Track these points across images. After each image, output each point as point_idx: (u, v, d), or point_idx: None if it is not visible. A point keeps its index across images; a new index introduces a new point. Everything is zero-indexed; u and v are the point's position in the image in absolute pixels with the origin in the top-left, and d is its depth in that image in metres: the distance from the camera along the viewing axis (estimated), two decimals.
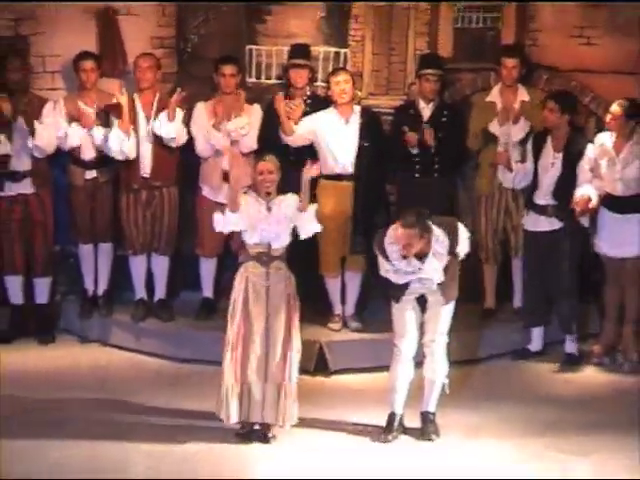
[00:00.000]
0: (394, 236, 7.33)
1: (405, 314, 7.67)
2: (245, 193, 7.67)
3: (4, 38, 9.75)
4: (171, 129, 9.25)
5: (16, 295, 9.63)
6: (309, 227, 7.65)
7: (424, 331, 7.70)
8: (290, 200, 7.66)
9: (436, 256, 7.45)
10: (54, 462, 7.30)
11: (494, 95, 9.41)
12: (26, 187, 9.44)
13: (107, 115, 9.34)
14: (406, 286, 7.54)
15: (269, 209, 7.61)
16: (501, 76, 9.34)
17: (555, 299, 9.15)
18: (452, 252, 7.49)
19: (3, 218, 9.48)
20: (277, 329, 7.61)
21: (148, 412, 8.11)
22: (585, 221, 8.96)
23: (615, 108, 8.79)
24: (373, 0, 9.84)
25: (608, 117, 8.85)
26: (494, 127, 9.22)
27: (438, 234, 7.45)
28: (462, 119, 9.43)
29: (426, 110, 9.34)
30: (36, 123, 9.21)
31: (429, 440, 7.69)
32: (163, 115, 9.24)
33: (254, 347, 7.58)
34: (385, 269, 7.52)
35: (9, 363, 9.04)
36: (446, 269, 7.49)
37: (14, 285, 9.62)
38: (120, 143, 9.20)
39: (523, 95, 9.34)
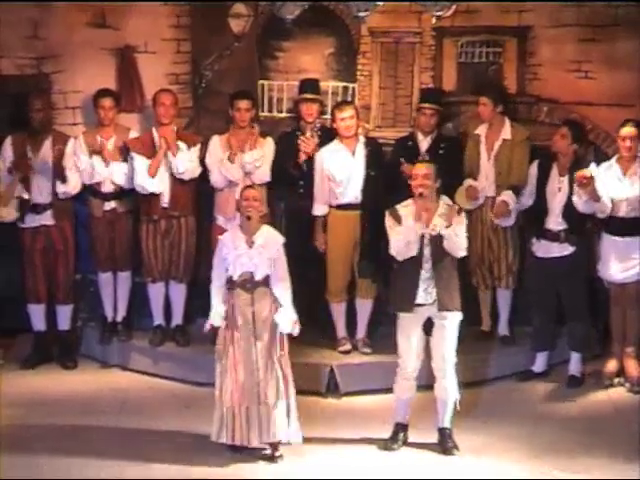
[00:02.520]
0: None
1: (410, 334, 7.72)
2: (220, 235, 7.84)
3: (27, 76, 9.74)
4: (178, 164, 9.21)
5: (39, 323, 9.58)
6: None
7: (432, 354, 7.73)
8: (275, 243, 7.68)
9: (442, 218, 7.57)
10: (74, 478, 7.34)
11: (481, 128, 9.33)
12: (47, 218, 9.41)
13: (127, 150, 9.33)
14: (415, 292, 7.59)
15: (251, 244, 7.64)
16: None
17: (568, 319, 9.07)
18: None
19: (27, 248, 9.45)
20: (264, 352, 7.59)
21: (165, 433, 8.09)
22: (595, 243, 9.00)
23: (629, 129, 8.71)
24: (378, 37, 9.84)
25: (622, 139, 8.74)
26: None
27: (447, 202, 7.71)
28: (459, 152, 9.34)
29: (424, 142, 9.30)
30: (67, 171, 9.23)
31: (451, 454, 7.71)
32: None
33: (245, 370, 7.57)
34: (396, 238, 7.61)
35: (34, 388, 9.04)
36: (446, 274, 7.62)
37: (37, 313, 9.56)
38: (144, 181, 9.20)
39: (506, 133, 9.25)
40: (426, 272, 7.64)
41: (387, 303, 8.11)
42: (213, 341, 9.11)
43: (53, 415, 8.40)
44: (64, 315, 9.61)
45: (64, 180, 9.25)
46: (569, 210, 8.84)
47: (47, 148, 9.34)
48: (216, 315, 7.69)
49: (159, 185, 9.27)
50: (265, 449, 7.62)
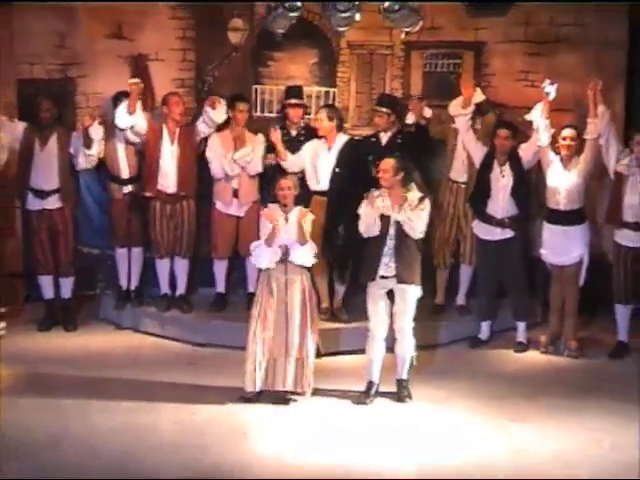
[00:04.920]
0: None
1: (376, 301, 7.84)
2: (266, 207, 7.90)
3: (55, 80, 9.84)
4: (129, 120, 9.19)
5: (48, 291, 9.63)
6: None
7: (394, 319, 7.84)
8: (298, 212, 7.83)
9: (407, 204, 7.65)
10: (94, 422, 7.46)
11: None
12: (50, 203, 9.43)
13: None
14: (377, 265, 7.69)
15: (287, 219, 7.79)
16: None
17: (510, 294, 9.19)
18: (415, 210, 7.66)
19: (34, 228, 9.49)
20: (295, 315, 7.77)
21: (171, 385, 8.20)
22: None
23: (570, 131, 8.78)
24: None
25: (563, 140, 8.78)
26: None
27: (415, 192, 7.72)
28: (414, 141, 9.20)
29: (384, 138, 9.26)
30: (94, 140, 9.22)
31: (404, 402, 7.86)
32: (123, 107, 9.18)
33: (276, 329, 7.74)
34: (362, 218, 7.71)
35: (56, 346, 9.18)
36: (407, 251, 7.69)
37: (45, 283, 9.61)
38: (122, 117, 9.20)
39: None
40: (389, 249, 7.69)
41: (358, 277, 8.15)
42: (218, 308, 9.40)
43: (74, 369, 8.48)
44: (66, 286, 9.61)
45: (89, 146, 9.26)
46: (515, 197, 8.89)
47: (53, 142, 9.32)
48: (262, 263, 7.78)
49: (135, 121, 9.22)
50: (281, 394, 7.82)
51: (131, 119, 9.20)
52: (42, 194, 9.40)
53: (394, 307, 7.84)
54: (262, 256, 7.79)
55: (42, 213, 9.45)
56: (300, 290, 7.82)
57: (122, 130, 9.32)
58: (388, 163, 7.76)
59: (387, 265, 7.74)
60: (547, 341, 9.11)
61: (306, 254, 7.81)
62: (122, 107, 9.20)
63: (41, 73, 9.84)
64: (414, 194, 7.76)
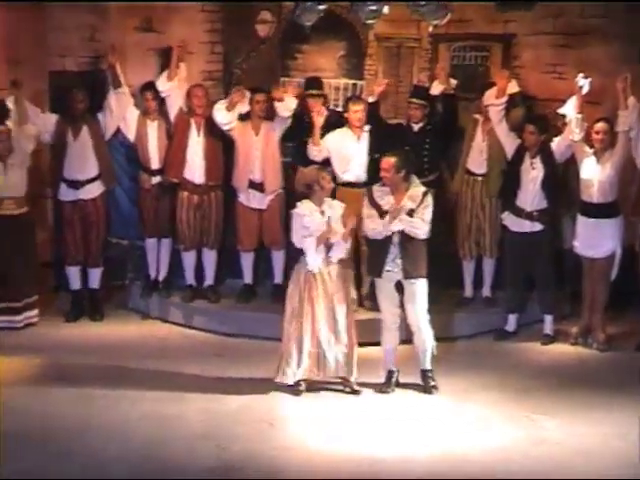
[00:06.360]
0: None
1: (385, 293, 7.88)
2: (302, 204, 7.85)
3: (86, 72, 9.88)
4: (167, 85, 9.36)
5: (75, 282, 9.68)
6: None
7: (406, 313, 7.87)
8: (338, 208, 7.84)
9: (411, 199, 7.66)
10: (122, 412, 7.52)
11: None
12: (84, 194, 9.49)
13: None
14: (384, 260, 7.70)
15: (322, 212, 7.80)
16: None
17: (538, 287, 9.16)
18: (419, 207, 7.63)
19: (66, 219, 9.55)
20: (340, 305, 7.81)
21: (198, 375, 8.22)
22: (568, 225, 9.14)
23: (603, 125, 8.73)
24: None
25: (596, 134, 8.75)
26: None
27: (417, 185, 7.74)
28: (444, 116, 9.33)
29: (415, 127, 9.33)
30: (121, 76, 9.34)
31: (431, 393, 7.88)
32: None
33: (322, 321, 7.78)
34: (370, 227, 7.71)
35: (85, 336, 9.23)
36: (412, 246, 7.67)
37: (73, 274, 9.66)
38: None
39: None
40: (394, 246, 7.70)
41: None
42: (246, 299, 9.42)
43: (102, 358, 8.54)
44: (94, 276, 9.69)
45: (119, 85, 9.31)
46: (545, 190, 8.89)
47: (85, 133, 9.39)
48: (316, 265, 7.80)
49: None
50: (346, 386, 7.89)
51: (169, 85, 9.35)
52: (76, 184, 9.45)
53: (404, 300, 7.86)
54: (315, 258, 7.79)
55: (76, 204, 9.51)
56: (342, 280, 7.85)
57: (152, 98, 9.42)
58: (388, 162, 7.71)
59: (393, 261, 7.77)
60: (577, 333, 9.10)
61: (344, 248, 7.84)
62: (164, 74, 9.39)
63: (72, 65, 9.94)
64: (417, 189, 7.75)
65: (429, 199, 7.75)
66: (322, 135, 9.27)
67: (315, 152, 9.25)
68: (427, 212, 7.72)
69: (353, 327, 7.88)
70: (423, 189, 7.78)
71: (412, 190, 7.73)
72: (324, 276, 7.80)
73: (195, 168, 9.49)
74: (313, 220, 7.76)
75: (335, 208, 7.86)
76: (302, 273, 7.83)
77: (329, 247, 7.79)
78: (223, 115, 9.33)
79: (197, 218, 9.59)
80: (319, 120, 9.19)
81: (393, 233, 7.72)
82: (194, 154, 9.48)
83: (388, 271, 7.79)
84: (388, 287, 7.86)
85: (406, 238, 7.71)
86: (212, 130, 9.47)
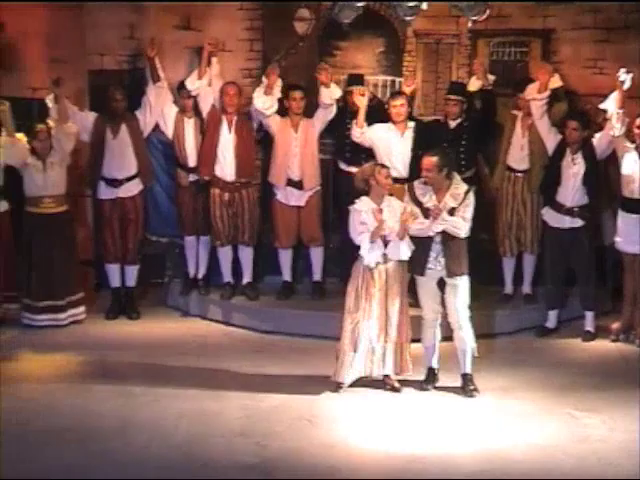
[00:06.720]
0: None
1: (426, 291, 7.86)
2: (355, 204, 7.79)
3: (125, 71, 9.95)
4: (197, 84, 9.34)
5: (115, 280, 9.71)
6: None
7: (447, 311, 7.85)
8: (397, 205, 7.79)
9: (453, 197, 7.62)
10: (162, 408, 7.52)
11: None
12: (123, 192, 9.50)
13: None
14: (426, 259, 7.68)
15: (381, 211, 7.74)
16: None
17: (579, 283, 9.14)
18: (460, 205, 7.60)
19: (106, 217, 9.56)
20: (395, 302, 7.78)
21: (238, 372, 8.23)
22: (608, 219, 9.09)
23: None
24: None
25: (638, 129, 8.68)
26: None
27: (458, 182, 7.70)
28: (481, 113, 9.31)
29: (453, 123, 9.33)
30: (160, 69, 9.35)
31: (471, 397, 7.81)
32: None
33: (375, 316, 7.75)
34: (417, 227, 7.63)
35: (125, 334, 9.25)
36: (454, 244, 7.63)
37: (113, 271, 9.69)
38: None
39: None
40: (436, 244, 7.68)
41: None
42: (285, 296, 9.39)
43: (142, 356, 8.57)
44: (131, 274, 9.70)
45: (158, 79, 9.32)
46: (585, 186, 8.85)
47: (124, 131, 9.40)
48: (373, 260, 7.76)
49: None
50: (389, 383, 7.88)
51: (198, 83, 9.36)
52: (115, 183, 9.48)
53: (446, 299, 7.84)
54: (372, 254, 7.74)
55: (115, 202, 9.53)
56: (399, 277, 7.82)
57: (188, 96, 9.42)
58: (430, 161, 7.67)
59: (436, 259, 7.75)
60: (619, 330, 9.04)
61: (402, 248, 7.76)
62: (195, 72, 9.39)
63: (111, 64, 9.97)
64: (459, 187, 7.73)
65: (471, 197, 7.72)
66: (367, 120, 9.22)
67: (357, 134, 9.24)
68: (468, 211, 7.69)
69: (405, 324, 7.86)
70: (465, 187, 7.76)
71: (454, 188, 7.71)
72: (381, 273, 7.78)
73: (226, 165, 9.49)
74: (369, 217, 7.73)
75: (394, 206, 7.82)
76: (360, 269, 7.81)
77: (387, 244, 7.76)
78: (263, 100, 9.33)
79: (230, 215, 9.58)
80: (363, 101, 9.17)
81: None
82: (225, 151, 9.48)
83: (430, 269, 7.77)
84: (430, 285, 7.84)
85: (448, 237, 7.69)
86: (243, 127, 9.49)
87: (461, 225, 7.67)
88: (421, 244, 7.74)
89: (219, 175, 9.51)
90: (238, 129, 9.48)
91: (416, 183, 7.83)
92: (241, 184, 9.55)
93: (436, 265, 7.74)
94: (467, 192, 7.72)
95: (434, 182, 7.69)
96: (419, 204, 7.74)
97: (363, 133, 9.21)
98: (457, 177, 7.80)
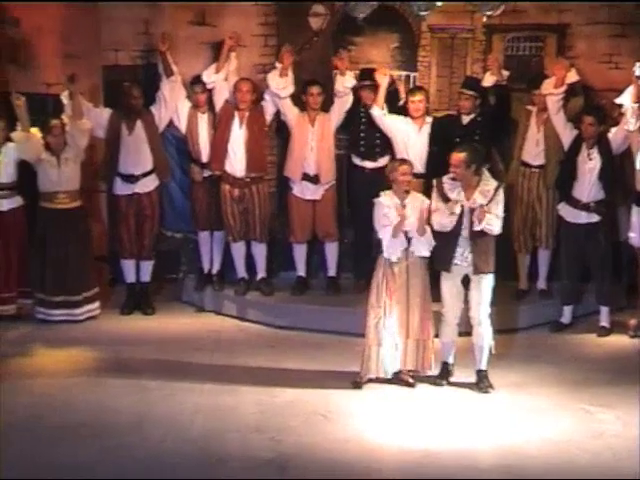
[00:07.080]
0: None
1: (450, 288, 7.80)
2: (384, 194, 7.79)
3: (139, 66, 9.92)
4: (213, 77, 9.36)
5: (130, 275, 9.72)
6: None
7: (469, 306, 7.80)
8: (420, 202, 7.80)
9: (482, 194, 7.57)
10: (177, 403, 7.52)
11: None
12: (139, 187, 9.50)
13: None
14: (452, 255, 7.64)
15: (404, 206, 7.75)
16: None
17: (594, 278, 9.12)
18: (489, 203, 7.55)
19: (122, 212, 9.56)
20: (417, 298, 7.79)
21: (252, 367, 8.25)
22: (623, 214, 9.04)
23: None
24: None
25: None
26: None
27: (488, 179, 7.64)
28: (495, 109, 9.30)
29: (466, 119, 9.32)
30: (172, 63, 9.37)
31: (486, 392, 7.79)
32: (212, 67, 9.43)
33: (397, 312, 7.75)
34: (438, 221, 7.62)
35: (139, 329, 9.26)
36: (482, 240, 7.58)
37: (128, 267, 9.70)
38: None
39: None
40: (463, 239, 7.63)
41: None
42: (299, 292, 9.40)
43: (157, 351, 8.59)
44: (146, 269, 9.70)
45: (171, 73, 9.34)
46: (602, 181, 8.82)
47: (139, 127, 9.41)
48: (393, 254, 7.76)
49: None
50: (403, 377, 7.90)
51: (215, 77, 9.38)
52: (131, 178, 9.47)
53: (469, 295, 7.80)
54: (394, 248, 7.74)
55: (131, 197, 9.53)
56: (422, 273, 7.81)
57: (202, 91, 9.43)
58: (458, 158, 7.60)
59: (462, 255, 7.71)
60: (635, 325, 9.01)
61: (424, 245, 7.76)
62: (212, 65, 9.42)
63: (125, 59, 9.96)
64: (488, 183, 7.68)
65: (501, 194, 7.65)
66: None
67: (378, 113, 9.23)
68: (500, 208, 7.63)
69: (427, 320, 7.85)
70: (495, 184, 7.69)
71: (483, 185, 7.65)
72: (402, 269, 7.77)
73: (236, 161, 9.49)
74: (391, 211, 7.73)
75: (416, 202, 7.81)
76: (382, 264, 7.81)
77: (410, 239, 7.75)
78: (277, 82, 9.33)
79: (240, 211, 9.57)
80: (384, 80, 9.18)
81: (462, 224, 7.63)
82: (235, 146, 9.47)
83: (457, 265, 7.72)
84: (455, 281, 7.80)
85: (477, 233, 7.61)
86: (255, 123, 9.48)
87: (495, 223, 7.61)
88: (447, 239, 7.69)
89: (229, 171, 9.51)
90: (249, 124, 9.47)
91: (445, 178, 7.76)
92: (251, 180, 9.53)
93: (462, 261, 7.70)
94: (497, 188, 7.66)
95: (462, 178, 7.63)
96: (447, 200, 7.68)
97: (385, 115, 9.22)
98: (486, 173, 7.73)
